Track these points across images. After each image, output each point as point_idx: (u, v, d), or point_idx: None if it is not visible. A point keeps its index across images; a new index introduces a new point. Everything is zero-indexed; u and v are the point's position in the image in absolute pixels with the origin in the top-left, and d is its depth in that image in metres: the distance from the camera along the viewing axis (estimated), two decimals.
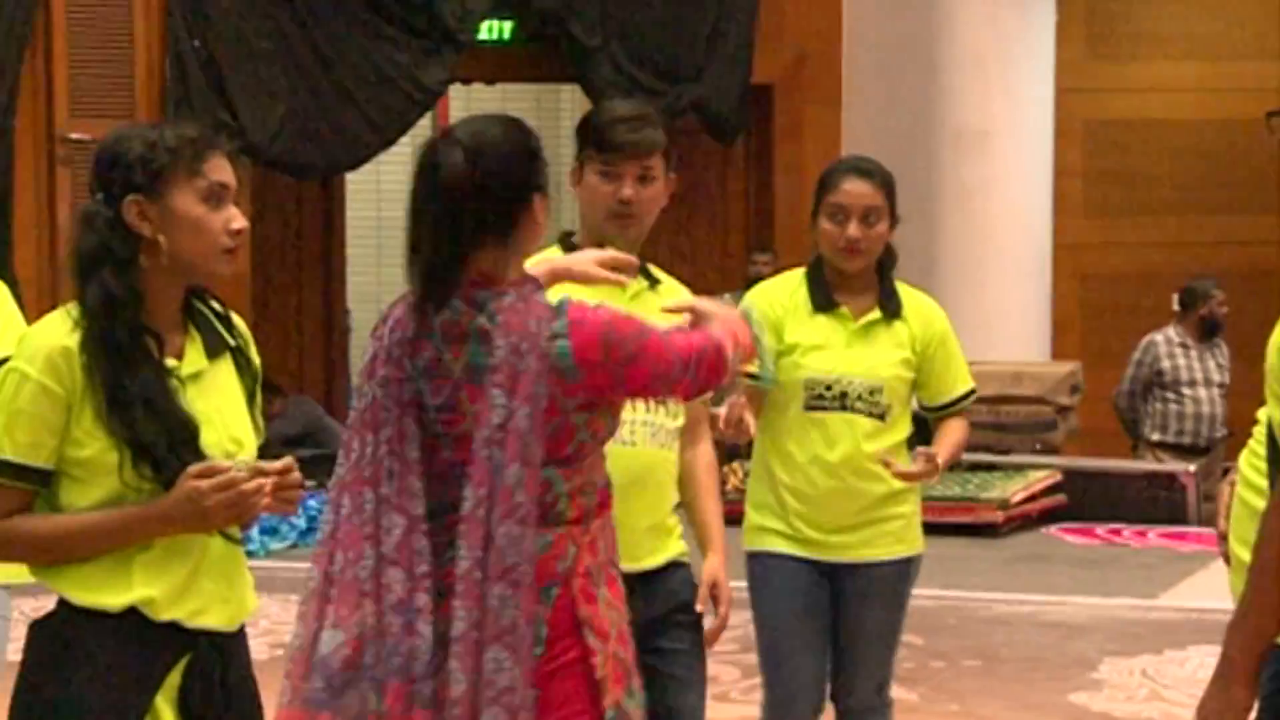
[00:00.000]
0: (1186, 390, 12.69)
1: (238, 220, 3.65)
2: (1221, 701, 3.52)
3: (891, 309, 5.41)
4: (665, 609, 4.74)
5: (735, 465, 13.37)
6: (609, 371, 3.72)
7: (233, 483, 3.51)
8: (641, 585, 4.50)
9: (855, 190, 5.30)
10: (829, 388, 5.34)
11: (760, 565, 5.47)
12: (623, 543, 4.08)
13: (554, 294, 3.88)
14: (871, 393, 5.35)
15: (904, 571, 5.47)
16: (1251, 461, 3.88)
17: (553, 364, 3.68)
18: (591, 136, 4.74)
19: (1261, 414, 3.83)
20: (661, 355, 3.77)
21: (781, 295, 5.45)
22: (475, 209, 3.70)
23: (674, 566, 4.81)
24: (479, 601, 3.62)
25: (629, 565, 4.24)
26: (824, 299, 5.39)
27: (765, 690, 5.53)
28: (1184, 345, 12.80)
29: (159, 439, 3.51)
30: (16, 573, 5.06)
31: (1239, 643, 3.53)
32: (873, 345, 5.39)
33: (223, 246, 3.64)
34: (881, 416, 5.36)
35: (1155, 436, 12.86)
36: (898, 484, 5.31)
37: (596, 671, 3.78)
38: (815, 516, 5.37)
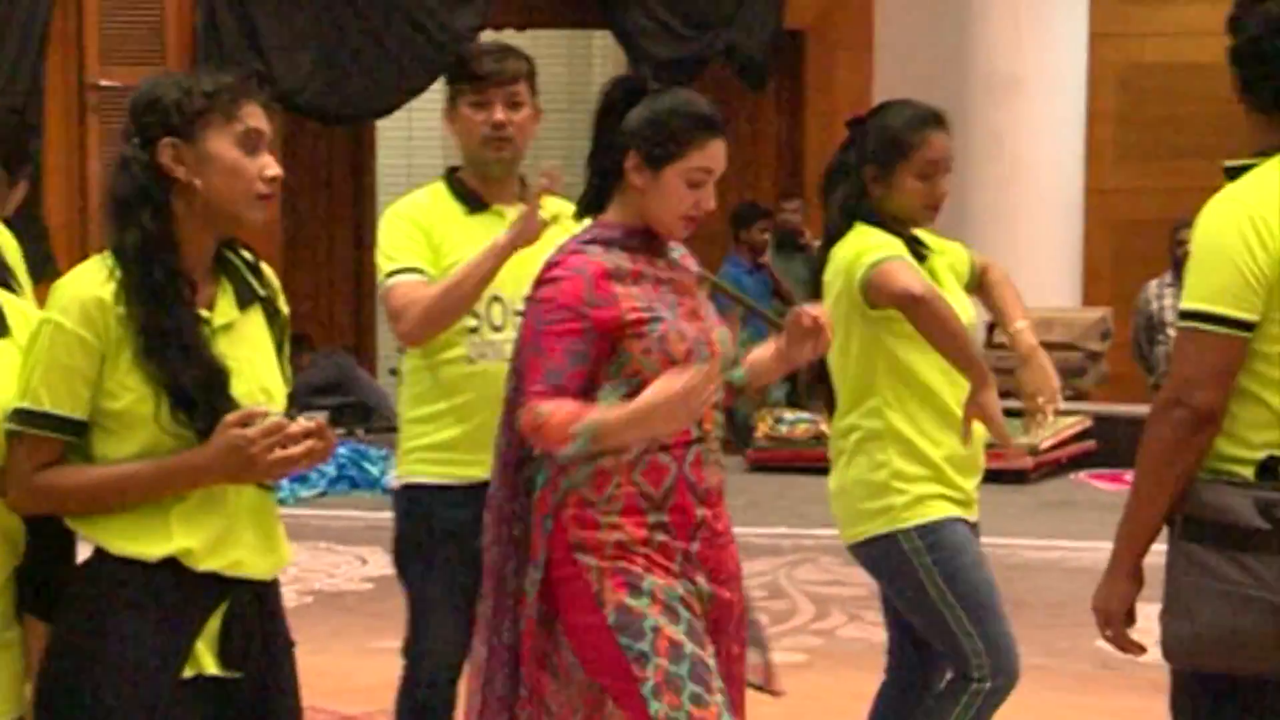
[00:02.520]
0: (1173, 331, 12.71)
1: (272, 167, 3.66)
2: (1109, 591, 3.94)
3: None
4: None
5: (764, 412, 13.41)
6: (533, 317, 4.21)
7: (280, 428, 3.53)
8: None
9: (944, 145, 5.11)
10: None
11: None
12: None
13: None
14: None
15: None
16: None
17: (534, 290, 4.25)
18: (461, 71, 5.12)
19: None
20: (535, 356, 4.18)
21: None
22: None
23: None
24: (496, 516, 4.36)
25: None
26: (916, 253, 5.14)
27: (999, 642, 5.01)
28: (1174, 287, 12.83)
29: (194, 383, 3.52)
30: None
31: (1124, 539, 3.91)
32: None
33: (257, 193, 3.65)
34: None
35: (1153, 379, 12.90)
36: None
37: (592, 585, 4.16)
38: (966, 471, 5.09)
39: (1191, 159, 16.28)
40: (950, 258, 5.24)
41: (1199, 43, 16.26)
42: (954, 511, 4.92)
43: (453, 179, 5.22)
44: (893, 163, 5.01)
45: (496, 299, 5.03)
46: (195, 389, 3.53)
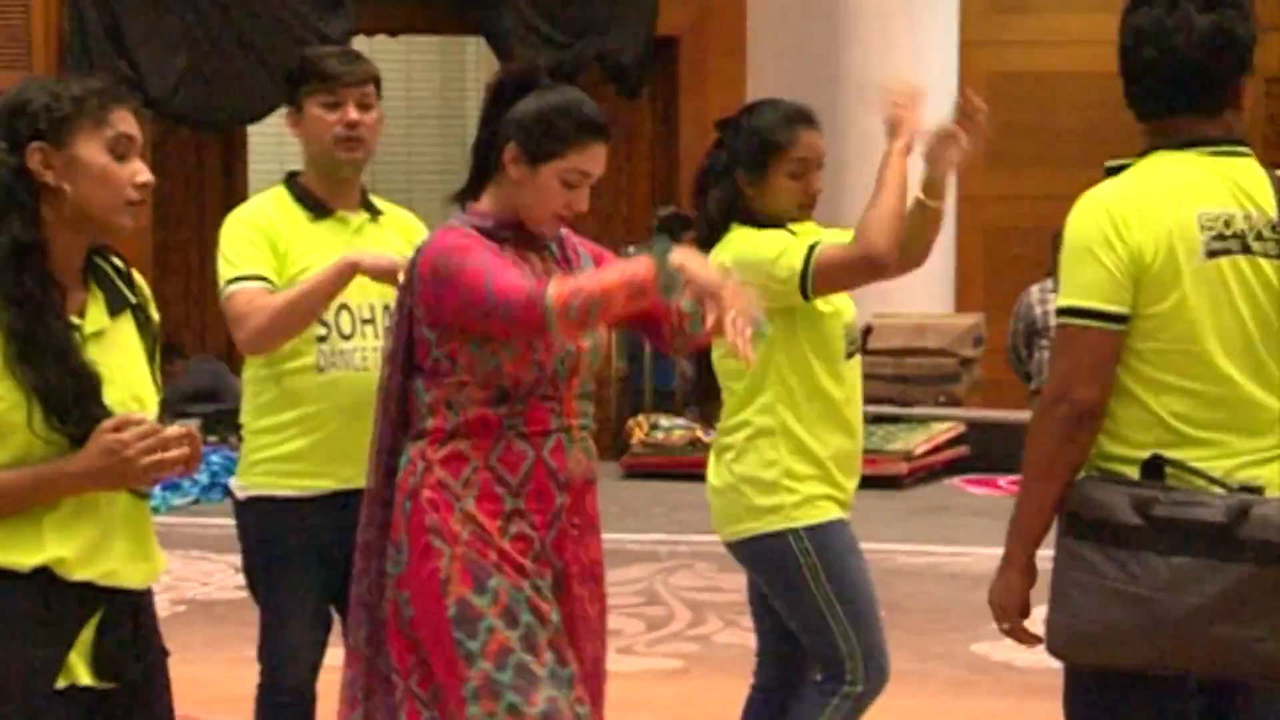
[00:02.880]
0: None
1: (143, 174, 3.64)
2: (1003, 586, 3.98)
3: None
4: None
5: (640, 419, 13.43)
6: (431, 289, 4.15)
7: (154, 432, 3.49)
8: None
9: (814, 142, 5.06)
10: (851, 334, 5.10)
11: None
12: (356, 461, 4.62)
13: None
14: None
15: None
16: None
17: (409, 275, 4.23)
18: (312, 72, 5.08)
19: None
20: (473, 286, 4.07)
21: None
22: None
23: None
24: (368, 498, 4.37)
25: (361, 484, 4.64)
26: None
27: (873, 660, 4.95)
28: (1055, 291, 12.91)
29: (66, 390, 3.49)
30: None
31: (1015, 534, 3.94)
32: None
33: (128, 199, 3.62)
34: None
35: (1034, 385, 12.98)
36: None
37: (440, 573, 4.17)
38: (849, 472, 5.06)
39: (1064, 166, 16.45)
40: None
41: (1068, 51, 16.44)
42: (839, 513, 4.91)
43: (294, 184, 5.16)
44: (764, 163, 4.97)
45: (344, 307, 5.00)
46: (67, 396, 3.49)
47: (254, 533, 5.11)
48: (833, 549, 4.85)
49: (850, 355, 4.97)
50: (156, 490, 4.35)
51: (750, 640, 8.40)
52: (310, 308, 4.87)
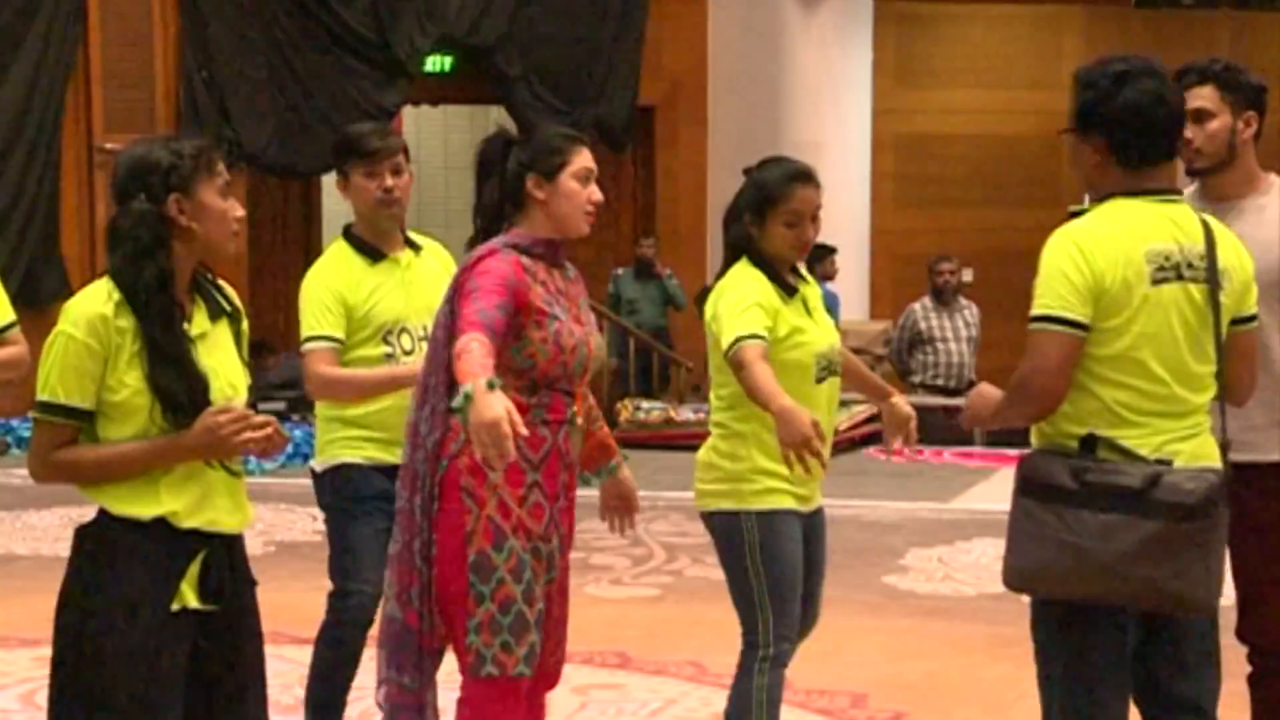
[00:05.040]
0: (940, 344, 12.78)
1: (239, 209, 3.65)
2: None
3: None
4: None
5: (627, 401, 13.39)
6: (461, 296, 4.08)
7: (245, 417, 3.51)
8: None
9: (808, 197, 4.76)
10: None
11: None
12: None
13: None
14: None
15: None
16: None
17: (454, 280, 4.17)
18: (354, 149, 5.03)
19: None
20: (464, 311, 4.00)
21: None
22: None
23: None
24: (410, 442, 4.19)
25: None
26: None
27: (783, 618, 4.70)
28: (935, 309, 12.91)
29: (183, 391, 3.50)
30: None
31: (990, 414, 4.02)
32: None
33: (232, 230, 3.63)
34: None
35: (917, 379, 12.99)
36: None
37: (467, 526, 4.08)
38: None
39: (952, 208, 16.47)
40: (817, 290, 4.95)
41: (958, 118, 16.46)
42: (792, 505, 4.65)
43: (351, 236, 5.11)
44: (763, 212, 4.71)
45: (404, 329, 4.99)
46: (184, 396, 3.50)
47: (335, 490, 5.03)
48: (774, 534, 4.62)
49: (821, 380, 4.68)
50: (253, 459, 4.31)
51: (713, 574, 8.41)
52: (354, 390, 4.93)
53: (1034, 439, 3.91)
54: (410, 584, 4.13)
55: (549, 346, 4.13)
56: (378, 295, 4.98)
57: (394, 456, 4.85)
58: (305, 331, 4.99)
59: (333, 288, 4.99)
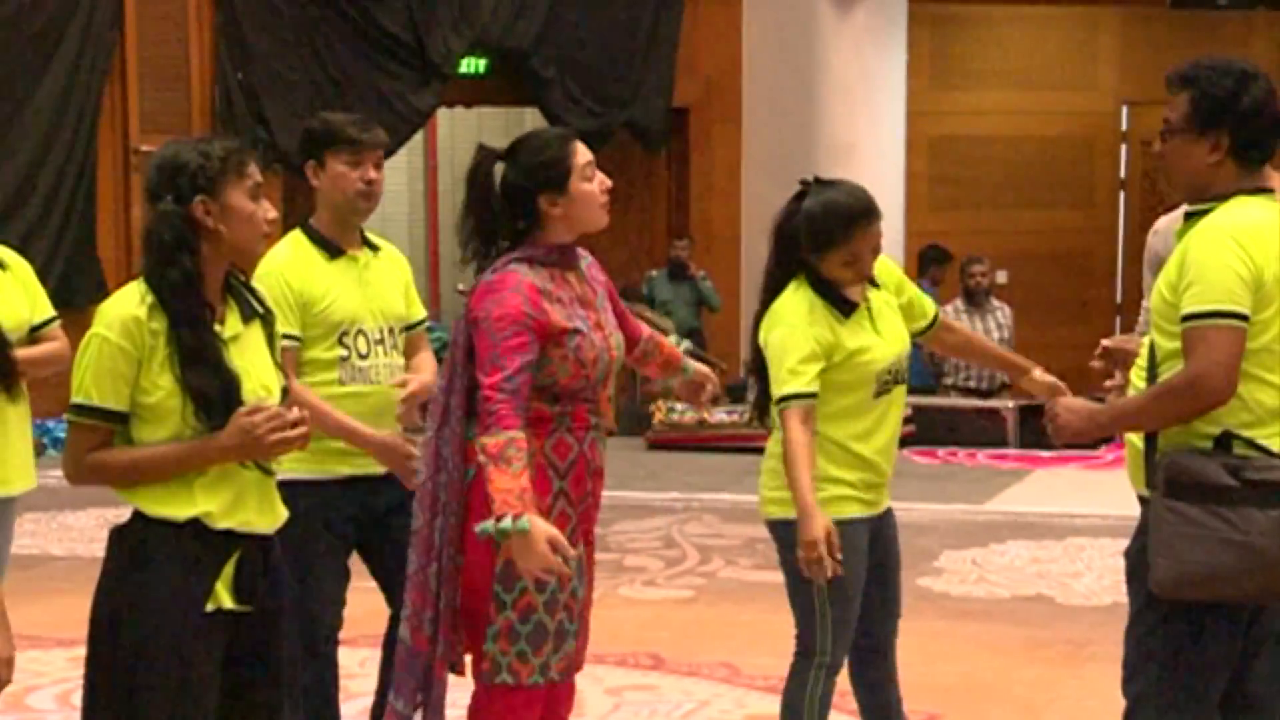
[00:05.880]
0: None
1: (271, 211, 3.64)
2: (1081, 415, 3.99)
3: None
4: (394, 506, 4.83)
5: (660, 404, 13.37)
6: (473, 326, 4.07)
7: (278, 415, 3.50)
8: (378, 484, 4.82)
9: (870, 238, 4.57)
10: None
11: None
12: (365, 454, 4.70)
13: None
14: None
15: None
16: (1138, 374, 3.97)
17: (467, 301, 4.14)
18: (339, 137, 4.91)
19: (1145, 340, 3.98)
20: (483, 351, 4.01)
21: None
22: None
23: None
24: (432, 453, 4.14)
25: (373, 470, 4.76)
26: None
27: (840, 627, 4.64)
28: (967, 310, 12.89)
29: (215, 392, 3.50)
30: (24, 483, 5.10)
31: (1121, 419, 3.99)
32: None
33: (263, 233, 3.63)
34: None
35: (949, 380, 12.97)
36: None
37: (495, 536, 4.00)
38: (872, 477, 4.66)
39: (983, 208, 16.42)
40: (884, 284, 4.76)
41: (990, 120, 16.40)
42: (857, 511, 4.56)
43: (309, 229, 4.96)
44: (822, 249, 4.52)
45: (360, 331, 4.85)
46: (216, 397, 3.50)
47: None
48: (839, 545, 4.44)
49: (881, 394, 4.55)
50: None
51: (745, 575, 8.43)
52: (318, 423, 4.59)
53: (1163, 440, 3.81)
54: (424, 608, 4.09)
55: (569, 364, 4.09)
56: (334, 293, 4.83)
57: (352, 468, 4.80)
58: None
59: (289, 282, 4.80)
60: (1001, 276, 15.04)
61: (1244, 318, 3.69)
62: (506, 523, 3.81)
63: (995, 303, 13.01)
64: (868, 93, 15.02)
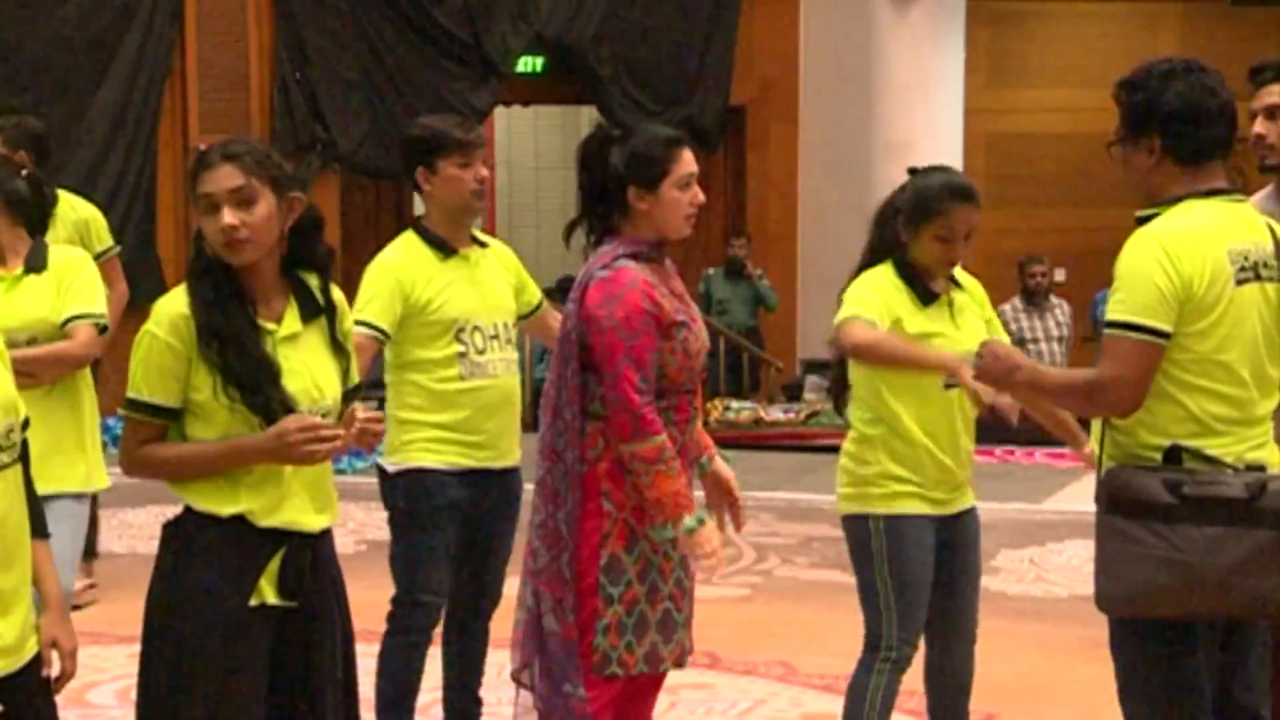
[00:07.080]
0: (1031, 345, 12.67)
1: (241, 216, 3.57)
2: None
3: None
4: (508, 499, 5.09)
5: (716, 401, 13.34)
6: (588, 323, 4.11)
7: (312, 427, 3.51)
8: (502, 477, 5.04)
9: (966, 216, 4.62)
10: None
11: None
12: (501, 446, 4.94)
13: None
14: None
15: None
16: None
17: (576, 293, 4.17)
18: (448, 140, 4.96)
19: None
20: (609, 355, 4.06)
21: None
22: None
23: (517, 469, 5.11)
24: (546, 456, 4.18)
25: (503, 462, 4.97)
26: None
27: (906, 621, 4.66)
28: (1026, 310, 12.81)
29: (243, 372, 3.50)
30: (100, 481, 5.11)
31: (1039, 388, 3.95)
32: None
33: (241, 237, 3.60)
34: None
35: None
36: None
37: (603, 529, 4.12)
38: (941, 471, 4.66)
39: (1041, 206, 16.33)
40: (971, 295, 4.85)
41: (1047, 117, 16.31)
42: (921, 509, 4.57)
43: (422, 229, 5.03)
44: (918, 222, 4.55)
45: (477, 327, 4.96)
46: (246, 377, 3.50)
47: (409, 497, 4.98)
48: (899, 538, 4.54)
49: (950, 385, 4.52)
50: (345, 458, 4.35)
51: (801, 574, 8.40)
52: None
53: (1107, 453, 3.77)
54: (563, 597, 4.14)
55: (678, 356, 4.14)
56: (449, 291, 4.93)
57: (474, 461, 4.88)
58: (355, 309, 4.84)
59: (397, 275, 4.92)
60: (1060, 275, 14.94)
61: (1160, 333, 3.62)
62: (690, 521, 4.02)
63: (1054, 300, 12.93)
64: (925, 91, 14.96)
